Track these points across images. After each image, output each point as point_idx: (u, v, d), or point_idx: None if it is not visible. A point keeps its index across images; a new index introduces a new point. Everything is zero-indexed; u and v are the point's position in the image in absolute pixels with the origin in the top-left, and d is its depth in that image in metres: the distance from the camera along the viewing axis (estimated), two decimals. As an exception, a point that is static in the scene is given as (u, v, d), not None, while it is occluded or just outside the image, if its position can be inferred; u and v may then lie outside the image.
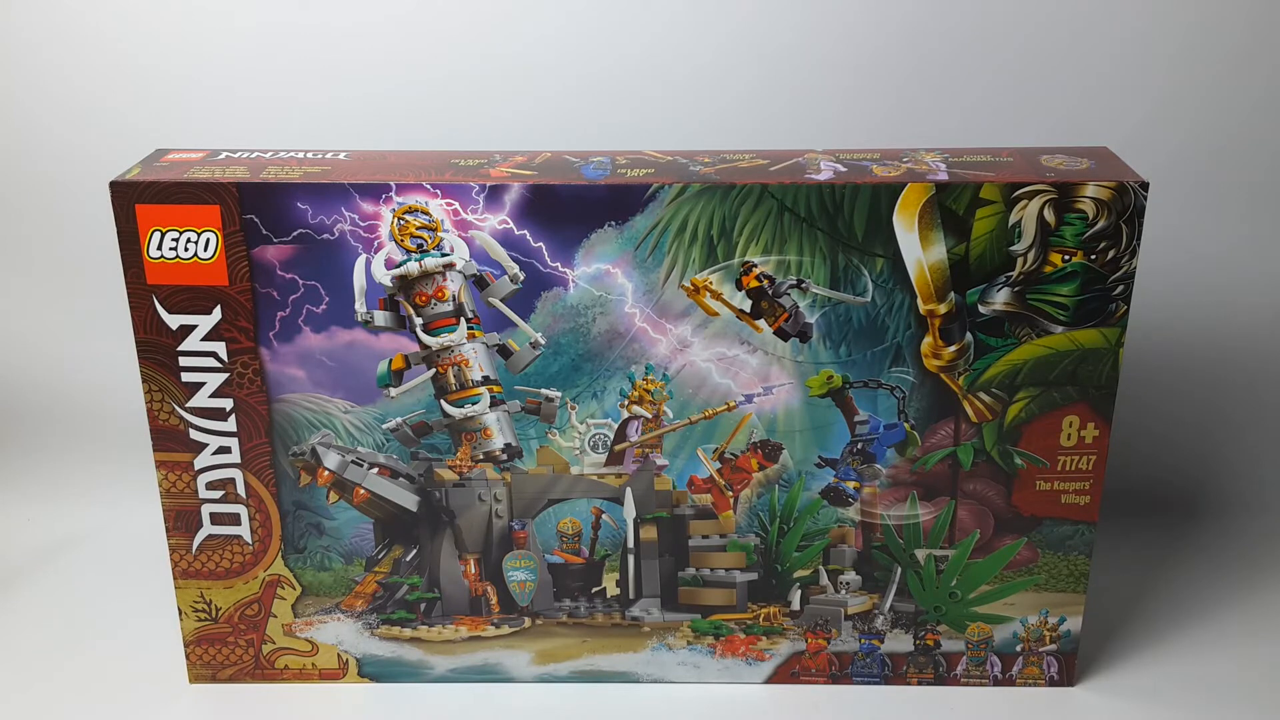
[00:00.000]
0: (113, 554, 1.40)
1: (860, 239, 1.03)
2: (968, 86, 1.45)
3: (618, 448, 1.11)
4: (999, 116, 1.45)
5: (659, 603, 1.16)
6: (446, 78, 1.47)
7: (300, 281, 1.05)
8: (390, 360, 1.08)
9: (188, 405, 1.08)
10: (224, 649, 1.18)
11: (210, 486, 1.12)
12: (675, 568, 1.15)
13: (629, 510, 1.13)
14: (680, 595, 1.16)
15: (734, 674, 1.18)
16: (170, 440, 1.10)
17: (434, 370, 1.08)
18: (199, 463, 1.11)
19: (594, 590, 1.16)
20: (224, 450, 1.10)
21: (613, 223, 1.03)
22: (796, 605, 1.16)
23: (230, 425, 1.09)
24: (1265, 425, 1.52)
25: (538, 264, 1.04)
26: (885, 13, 1.43)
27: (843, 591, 1.15)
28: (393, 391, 1.09)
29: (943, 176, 1.02)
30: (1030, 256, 1.03)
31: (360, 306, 1.06)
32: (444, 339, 1.07)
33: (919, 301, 1.05)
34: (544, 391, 1.09)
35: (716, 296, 1.05)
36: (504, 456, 1.11)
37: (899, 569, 1.15)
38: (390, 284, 1.05)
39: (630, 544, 1.14)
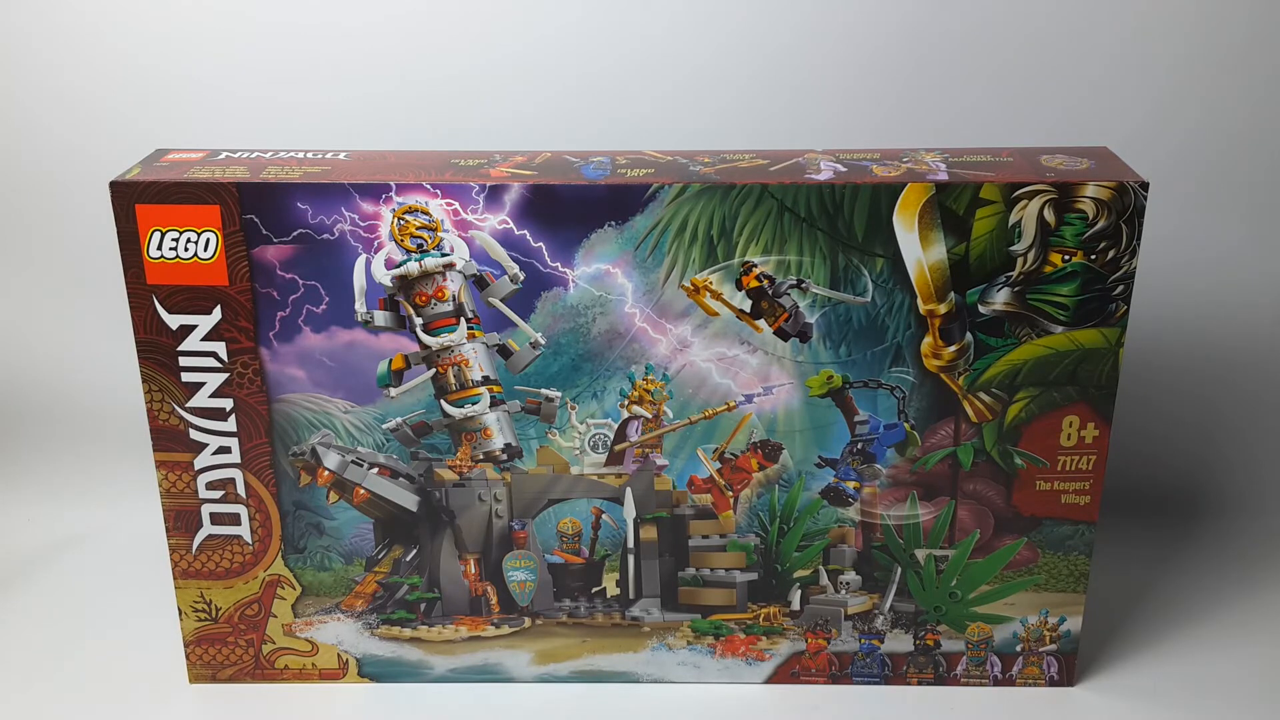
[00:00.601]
0: (113, 554, 1.40)
1: (860, 239, 1.02)
2: (968, 86, 1.45)
3: (618, 448, 1.11)
4: (999, 116, 1.45)
5: (659, 603, 1.16)
6: (446, 78, 1.47)
7: (300, 281, 1.05)
8: (390, 360, 1.08)
9: (188, 405, 1.08)
10: (224, 649, 1.18)
11: (210, 486, 1.11)
12: (675, 568, 1.15)
13: (629, 510, 1.13)
14: (680, 595, 1.16)
15: (734, 674, 1.18)
16: (170, 440, 1.10)
17: (434, 370, 1.08)
18: (199, 463, 1.11)
19: (594, 590, 1.16)
20: (224, 450, 1.10)
21: (613, 223, 1.03)
22: (796, 605, 1.16)
23: (230, 425, 1.09)
24: (1265, 425, 1.52)
25: (538, 264, 1.04)
26: (885, 13, 1.43)
27: (843, 591, 1.15)
28: (393, 391, 1.09)
29: (943, 176, 1.02)
30: (1030, 256, 1.03)
31: (360, 306, 1.05)
32: (444, 339, 1.07)
33: (919, 301, 1.04)
34: (544, 391, 1.09)
35: (716, 296, 1.05)
36: (504, 456, 1.11)
37: (899, 569, 1.15)
38: (390, 284, 1.05)
39: (630, 544, 1.14)
